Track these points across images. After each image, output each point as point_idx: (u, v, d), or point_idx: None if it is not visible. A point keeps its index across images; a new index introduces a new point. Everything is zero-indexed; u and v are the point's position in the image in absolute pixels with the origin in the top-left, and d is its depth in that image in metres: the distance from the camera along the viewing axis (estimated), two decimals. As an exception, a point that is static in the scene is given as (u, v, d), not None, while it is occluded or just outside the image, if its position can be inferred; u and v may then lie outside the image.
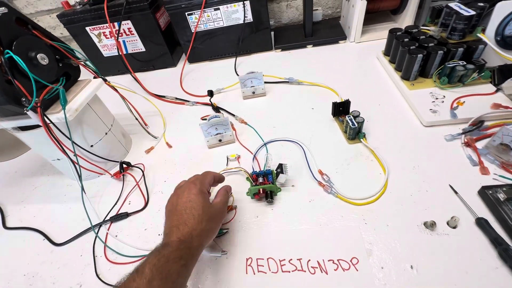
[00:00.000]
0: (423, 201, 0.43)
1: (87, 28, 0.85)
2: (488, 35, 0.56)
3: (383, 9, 0.83)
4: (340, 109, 0.59)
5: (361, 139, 0.54)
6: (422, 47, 0.60)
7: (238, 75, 0.83)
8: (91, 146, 0.57)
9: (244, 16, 0.81)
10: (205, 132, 0.59)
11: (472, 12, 0.54)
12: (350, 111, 0.58)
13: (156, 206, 0.52)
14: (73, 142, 0.50)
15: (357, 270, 0.37)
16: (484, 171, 0.45)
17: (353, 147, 0.54)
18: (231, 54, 0.92)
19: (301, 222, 0.44)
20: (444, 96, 0.57)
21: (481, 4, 0.56)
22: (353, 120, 0.53)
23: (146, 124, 0.68)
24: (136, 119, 0.66)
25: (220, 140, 0.61)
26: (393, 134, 0.55)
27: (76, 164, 0.51)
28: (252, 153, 0.58)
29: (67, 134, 0.49)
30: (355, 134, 0.54)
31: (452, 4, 0.58)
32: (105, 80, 0.59)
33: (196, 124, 0.67)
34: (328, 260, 0.39)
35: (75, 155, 0.50)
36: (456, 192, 0.43)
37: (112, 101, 0.63)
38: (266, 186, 0.47)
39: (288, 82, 0.75)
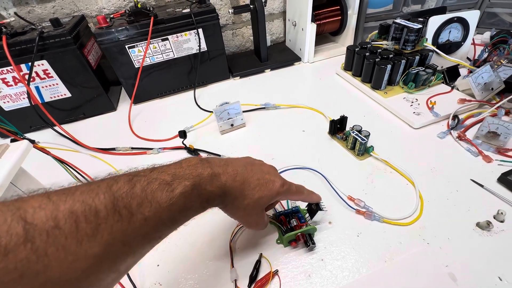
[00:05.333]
0: (461, 202, 0.42)
1: (-26, 76, 0.60)
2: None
3: (326, 31, 0.90)
4: (338, 126, 0.56)
5: (371, 153, 0.52)
6: (384, 59, 0.64)
7: (201, 108, 0.73)
8: (24, 247, 0.35)
9: (199, 45, 0.73)
10: (198, 183, 0.46)
11: (420, 25, 0.61)
12: (347, 126, 0.56)
13: (158, 309, 0.35)
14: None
15: (455, 305, 0.31)
16: (488, 159, 0.48)
17: (366, 163, 0.51)
18: (185, 87, 0.81)
19: (364, 265, 0.36)
20: (416, 99, 0.62)
21: (420, 19, 0.65)
22: (360, 135, 0.51)
23: (105, 191, 0.49)
24: (88, 187, 0.47)
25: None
26: (391, 141, 0.55)
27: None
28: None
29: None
30: (365, 149, 0.51)
31: (398, 20, 0.65)
32: (32, 142, 0.40)
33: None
34: (420, 304, 0.32)
35: None
36: (481, 186, 0.44)
37: (38, 169, 0.43)
38: (304, 229, 0.38)
39: (264, 108, 0.69)
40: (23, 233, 0.16)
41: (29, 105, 0.66)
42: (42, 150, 0.42)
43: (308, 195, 0.38)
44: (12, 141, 0.39)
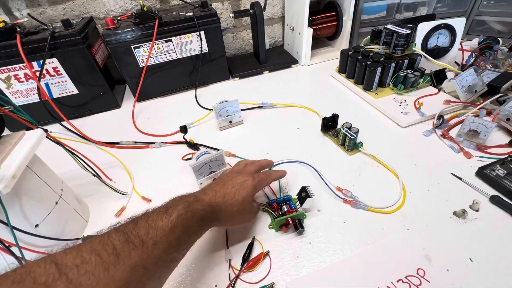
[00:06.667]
0: (440, 193, 0.46)
1: (-12, 72, 0.64)
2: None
3: (323, 36, 0.94)
4: (329, 124, 0.59)
5: (360, 149, 0.55)
6: (375, 62, 0.68)
7: (202, 106, 0.76)
8: (36, 226, 0.39)
9: (201, 47, 0.77)
10: (197, 174, 0.49)
11: (408, 31, 0.65)
12: (338, 124, 0.60)
13: (158, 285, 0.38)
14: (12, 228, 0.33)
15: (429, 282, 0.35)
16: (468, 155, 0.51)
17: (355, 157, 0.55)
18: (186, 87, 0.85)
19: (348, 248, 0.40)
20: (405, 100, 0.66)
21: (410, 25, 0.69)
22: (349, 131, 0.54)
23: (110, 179, 0.53)
24: (95, 175, 0.50)
25: (215, 179, 0.52)
26: (380, 138, 0.59)
27: (21, 260, 0.33)
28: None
29: (0, 216, 0.32)
30: (354, 144, 0.55)
31: (388, 26, 0.69)
32: (45, 131, 0.43)
33: (174, 167, 0.58)
34: (397, 281, 0.35)
35: (19, 247, 0.33)
36: (460, 179, 0.47)
37: (48, 158, 0.46)
38: (294, 214, 0.41)
39: (262, 106, 0.73)
40: (56, 271, 0.21)
41: (38, 100, 0.70)
42: (54, 139, 0.45)
43: (276, 174, 0.44)
44: (27, 129, 0.43)
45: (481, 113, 0.57)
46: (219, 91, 0.84)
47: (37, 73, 0.66)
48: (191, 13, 0.74)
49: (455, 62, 0.79)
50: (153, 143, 0.64)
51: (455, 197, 0.45)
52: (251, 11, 0.81)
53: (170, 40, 0.74)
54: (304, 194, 0.43)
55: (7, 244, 0.33)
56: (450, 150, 0.53)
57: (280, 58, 0.95)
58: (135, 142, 0.66)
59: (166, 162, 0.59)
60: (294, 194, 0.47)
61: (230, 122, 0.67)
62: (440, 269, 0.36)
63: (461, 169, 0.49)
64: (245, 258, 0.39)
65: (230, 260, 0.39)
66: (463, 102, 0.61)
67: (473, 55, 0.76)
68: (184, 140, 0.62)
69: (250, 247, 0.40)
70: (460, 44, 0.77)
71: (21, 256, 0.33)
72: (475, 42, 0.85)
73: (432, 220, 0.42)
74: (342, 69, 0.79)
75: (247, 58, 0.97)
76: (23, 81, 0.68)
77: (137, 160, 0.61)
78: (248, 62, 0.93)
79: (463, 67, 0.75)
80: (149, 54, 0.73)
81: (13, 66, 0.65)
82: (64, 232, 0.43)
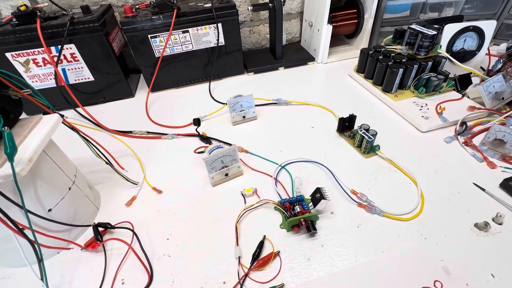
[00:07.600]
0: (461, 203, 0.44)
1: (8, 54, 0.65)
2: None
3: (342, 33, 0.92)
4: (346, 124, 0.58)
5: (377, 152, 0.53)
6: (396, 63, 0.66)
7: (215, 100, 0.76)
8: (49, 210, 0.39)
9: (217, 39, 0.76)
10: (209, 168, 0.49)
11: (434, 32, 0.63)
12: (355, 125, 0.58)
13: (166, 278, 0.38)
14: (26, 212, 0.33)
15: (446, 295, 0.33)
16: (492, 165, 0.49)
17: (371, 161, 0.53)
18: (200, 79, 0.84)
19: (361, 253, 0.38)
20: (426, 104, 0.63)
21: (436, 26, 0.66)
22: (367, 133, 0.52)
23: (122, 168, 0.53)
24: (107, 163, 0.50)
25: (226, 175, 0.51)
26: (398, 143, 0.57)
27: (34, 243, 0.33)
28: (271, 176, 0.50)
29: (15, 199, 0.32)
30: (371, 147, 0.53)
31: (413, 26, 0.67)
32: (62, 116, 0.43)
33: (186, 159, 0.57)
34: (413, 292, 0.34)
35: (32, 230, 0.33)
36: (483, 189, 0.45)
37: (61, 143, 0.46)
38: (307, 215, 0.40)
39: (276, 103, 0.71)
40: None
41: (54, 86, 0.71)
42: (70, 124, 0.45)
43: None
44: (44, 113, 0.43)
45: (508, 122, 0.54)
46: (233, 85, 0.83)
47: (55, 58, 0.66)
48: (209, 4, 0.73)
49: (481, 67, 0.76)
50: (166, 134, 0.64)
51: (477, 208, 0.43)
52: (270, 4, 0.79)
53: (187, 31, 0.74)
54: (318, 195, 0.42)
55: (20, 227, 0.33)
56: (472, 158, 0.51)
57: (297, 55, 0.93)
58: (148, 132, 0.65)
59: (178, 154, 0.59)
60: (306, 194, 0.46)
61: (244, 117, 0.66)
62: (459, 283, 0.34)
63: (484, 179, 0.47)
64: (255, 256, 0.38)
65: (239, 257, 0.38)
66: (489, 109, 0.58)
67: (501, 60, 0.72)
68: (197, 133, 0.62)
69: (261, 246, 0.39)
70: (487, 48, 0.74)
71: (34, 240, 0.33)
72: (502, 47, 0.80)
73: (451, 231, 0.40)
74: (360, 69, 0.77)
75: (262, 53, 0.95)
76: (41, 66, 0.69)
77: (149, 150, 0.61)
78: (264, 57, 0.92)
79: (489, 73, 0.71)
80: (165, 44, 0.73)
81: (32, 50, 0.65)
82: (75, 218, 0.43)
